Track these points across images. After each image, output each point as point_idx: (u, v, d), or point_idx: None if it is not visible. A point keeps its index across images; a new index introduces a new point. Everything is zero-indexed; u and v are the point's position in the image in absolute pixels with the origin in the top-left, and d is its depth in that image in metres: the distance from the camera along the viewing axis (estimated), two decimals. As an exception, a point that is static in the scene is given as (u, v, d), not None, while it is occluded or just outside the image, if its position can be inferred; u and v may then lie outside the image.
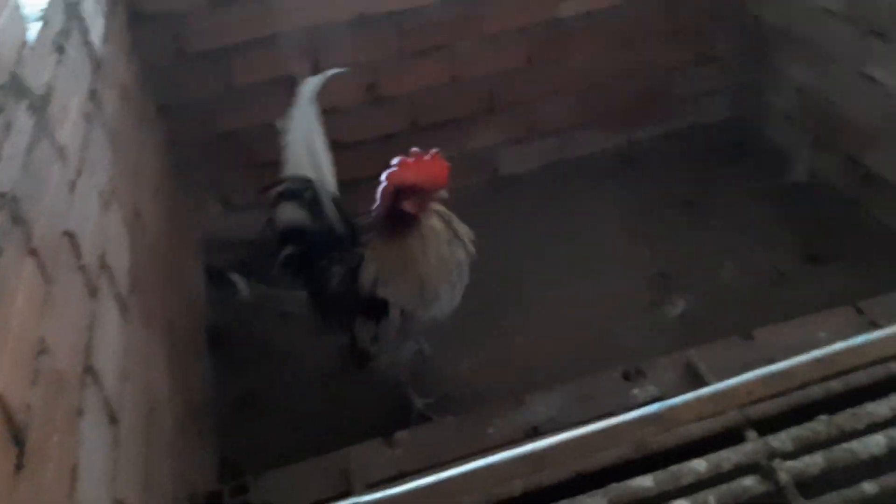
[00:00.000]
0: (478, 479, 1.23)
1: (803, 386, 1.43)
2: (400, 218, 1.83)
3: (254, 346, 2.56)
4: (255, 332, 2.62)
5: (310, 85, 2.22)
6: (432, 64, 2.84)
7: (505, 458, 1.23)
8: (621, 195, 2.96)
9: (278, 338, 2.59)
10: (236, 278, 2.81)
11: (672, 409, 1.30)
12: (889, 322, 1.97)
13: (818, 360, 1.38)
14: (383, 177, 1.86)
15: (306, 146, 2.21)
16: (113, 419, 1.30)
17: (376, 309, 1.93)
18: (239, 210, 2.95)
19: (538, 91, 3.01)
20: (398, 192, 1.81)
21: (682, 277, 2.56)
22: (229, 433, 2.23)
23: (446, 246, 1.88)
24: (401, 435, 1.84)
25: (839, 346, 1.42)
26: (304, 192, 2.17)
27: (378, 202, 1.87)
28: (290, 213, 2.16)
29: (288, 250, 2.18)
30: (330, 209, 2.16)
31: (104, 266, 1.44)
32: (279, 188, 2.17)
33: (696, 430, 1.62)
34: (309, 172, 2.18)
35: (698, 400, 1.31)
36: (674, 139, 3.18)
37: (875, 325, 1.97)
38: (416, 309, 1.92)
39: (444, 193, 1.81)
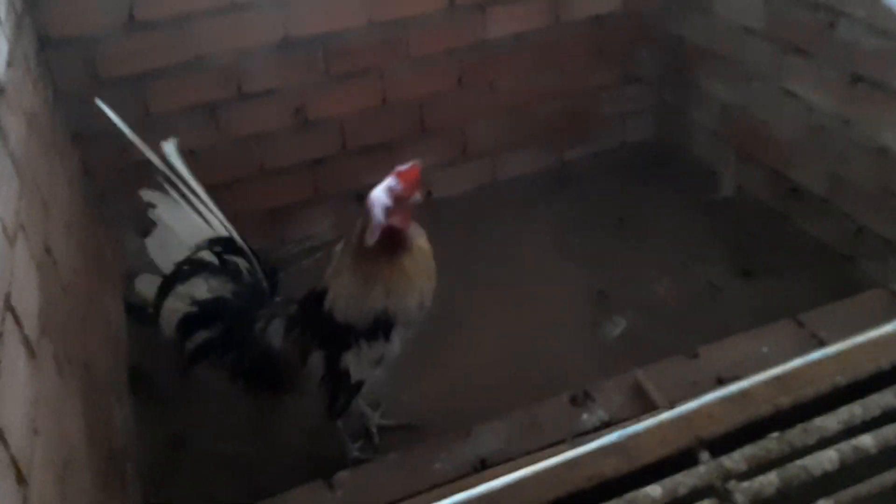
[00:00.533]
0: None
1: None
2: (391, 236, 1.72)
3: (178, 385, 2.42)
4: (178, 371, 2.48)
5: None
6: (361, 86, 2.78)
7: (457, 501, 1.15)
8: (555, 215, 2.94)
9: (203, 375, 2.45)
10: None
11: (633, 437, 1.25)
12: (830, 333, 2.00)
13: (777, 378, 1.35)
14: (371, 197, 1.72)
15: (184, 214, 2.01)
16: (21, 479, 1.18)
17: (374, 333, 1.82)
18: (160, 242, 2.81)
19: (469, 113, 2.98)
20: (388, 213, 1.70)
21: (620, 296, 2.55)
22: (156, 479, 2.09)
23: (431, 259, 1.84)
24: (342, 475, 1.75)
25: (796, 362, 1.40)
26: (202, 262, 1.94)
27: (371, 226, 1.70)
28: (199, 289, 1.93)
29: (203, 335, 1.94)
30: (247, 261, 1.97)
31: (9, 308, 1.31)
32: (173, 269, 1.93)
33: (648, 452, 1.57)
34: (200, 234, 1.97)
35: (659, 427, 1.27)
36: (603, 158, 3.19)
37: (816, 338, 1.98)
38: (415, 323, 1.85)
39: (417, 197, 1.73)
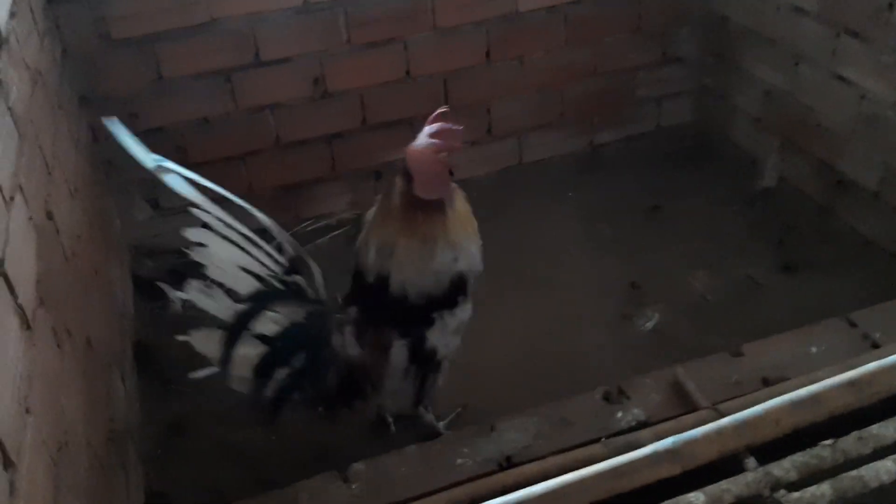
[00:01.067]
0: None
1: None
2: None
3: (186, 364, 2.29)
4: (186, 349, 2.35)
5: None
6: (383, 57, 2.64)
7: (495, 504, 1.02)
8: (584, 202, 2.80)
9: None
10: (168, 288, 2.54)
11: (690, 443, 1.12)
12: (885, 335, 1.86)
13: (851, 384, 1.21)
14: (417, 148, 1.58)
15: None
16: (7, 462, 1.05)
17: (453, 297, 1.67)
18: (170, 214, 2.68)
19: (496, 89, 2.83)
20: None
21: (653, 288, 2.41)
22: (158, 464, 1.97)
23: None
24: (357, 467, 1.62)
25: (872, 366, 1.25)
26: (263, 294, 1.70)
27: (426, 177, 1.56)
28: (267, 326, 1.68)
29: (283, 373, 1.69)
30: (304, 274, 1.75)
31: (0, 273, 1.18)
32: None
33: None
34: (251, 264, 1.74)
35: (719, 434, 1.14)
36: (636, 143, 3.04)
37: (869, 339, 1.84)
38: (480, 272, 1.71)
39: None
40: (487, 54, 2.74)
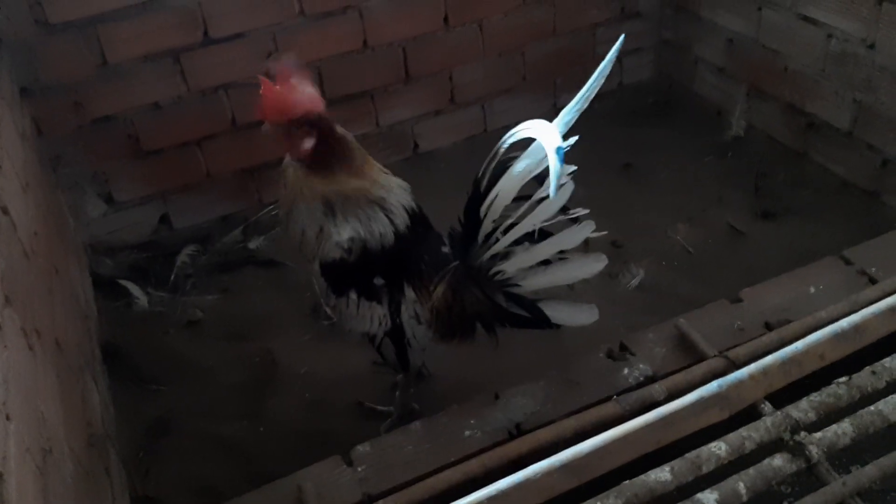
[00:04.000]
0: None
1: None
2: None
3: (158, 362, 2.18)
4: (157, 346, 2.24)
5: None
6: (339, 28, 2.53)
7: (538, 472, 0.95)
8: (555, 163, 2.73)
9: (185, 350, 2.22)
10: (130, 286, 2.41)
11: (737, 385, 1.07)
12: (880, 269, 1.84)
13: (893, 310, 1.17)
14: None
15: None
16: (-7, 474, 0.95)
17: None
18: (125, 207, 2.55)
19: (456, 56, 2.75)
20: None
21: (635, 245, 2.36)
22: (142, 466, 1.86)
23: None
24: (361, 450, 1.54)
25: (906, 291, 1.21)
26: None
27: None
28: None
29: None
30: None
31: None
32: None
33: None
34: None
35: (765, 373, 1.09)
36: (601, 102, 2.94)
37: (865, 275, 1.82)
38: None
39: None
40: (446, 19, 2.66)
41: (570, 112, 1.53)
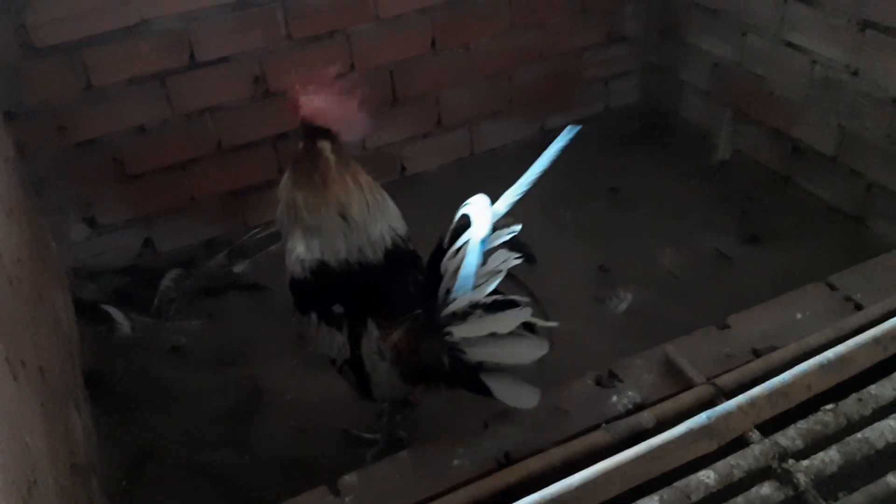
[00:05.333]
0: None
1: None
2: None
3: (142, 388, 2.16)
4: (141, 373, 2.21)
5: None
6: (326, 51, 2.53)
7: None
8: (541, 188, 2.70)
9: (169, 377, 2.20)
10: (113, 311, 2.39)
11: (725, 417, 1.06)
12: (865, 295, 1.85)
13: (876, 341, 1.17)
14: None
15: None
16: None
17: None
18: (108, 231, 2.53)
19: (443, 79, 2.75)
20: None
21: (621, 269, 2.36)
22: (126, 496, 1.83)
23: None
24: (348, 479, 1.52)
25: (892, 322, 1.21)
26: None
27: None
28: None
29: None
30: None
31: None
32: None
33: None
34: None
35: (752, 404, 1.08)
36: (587, 125, 2.95)
37: (851, 301, 1.82)
38: None
39: None
40: (433, 43, 2.67)
41: (514, 194, 1.57)
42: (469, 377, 1.51)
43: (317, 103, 1.58)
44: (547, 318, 1.57)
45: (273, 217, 2.67)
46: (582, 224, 2.57)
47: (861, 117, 2.26)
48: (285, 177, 1.69)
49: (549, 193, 2.66)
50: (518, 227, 1.55)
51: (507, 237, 1.53)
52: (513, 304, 1.49)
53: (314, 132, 1.60)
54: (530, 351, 1.50)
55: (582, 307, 2.24)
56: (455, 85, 2.78)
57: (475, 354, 1.49)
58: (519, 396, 1.51)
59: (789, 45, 2.41)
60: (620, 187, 2.72)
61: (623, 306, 2.24)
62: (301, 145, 1.64)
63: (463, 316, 1.50)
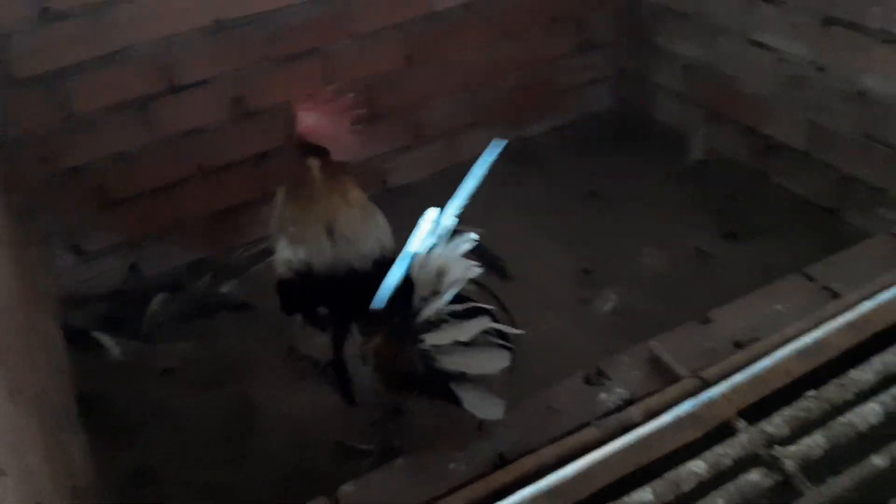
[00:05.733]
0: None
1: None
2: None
3: (136, 411, 2.17)
4: (134, 396, 2.22)
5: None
6: (304, 70, 2.56)
7: (524, 498, 0.97)
8: (523, 195, 2.78)
9: (162, 399, 2.21)
10: (102, 337, 2.40)
11: (709, 405, 1.10)
12: (842, 285, 1.89)
13: (851, 325, 1.21)
14: None
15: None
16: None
17: None
18: (94, 258, 2.54)
19: (421, 92, 2.79)
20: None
21: (605, 271, 2.41)
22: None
23: None
24: (346, 489, 1.53)
25: (866, 305, 1.26)
26: None
27: None
28: None
29: None
30: None
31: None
32: None
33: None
34: None
35: (734, 391, 1.11)
36: (565, 132, 3.05)
37: (828, 290, 1.86)
38: None
39: None
40: (409, 57, 2.71)
41: (454, 208, 1.61)
42: (441, 385, 1.54)
43: (311, 121, 1.63)
44: (515, 326, 1.58)
45: (258, 235, 2.74)
46: (564, 229, 2.61)
47: (830, 112, 2.32)
48: (280, 190, 1.76)
49: (529, 199, 2.74)
50: (475, 235, 1.56)
51: (468, 246, 1.54)
52: (483, 313, 1.53)
53: (307, 149, 1.64)
54: (494, 362, 1.52)
55: (568, 309, 2.28)
56: (433, 97, 2.82)
57: (445, 362, 1.52)
58: (485, 407, 1.53)
59: (757, 44, 2.47)
60: (599, 191, 2.77)
61: (608, 307, 2.28)
62: (295, 161, 1.69)
63: (437, 323, 1.54)
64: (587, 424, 1.57)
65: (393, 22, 2.62)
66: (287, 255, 1.68)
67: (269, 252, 2.71)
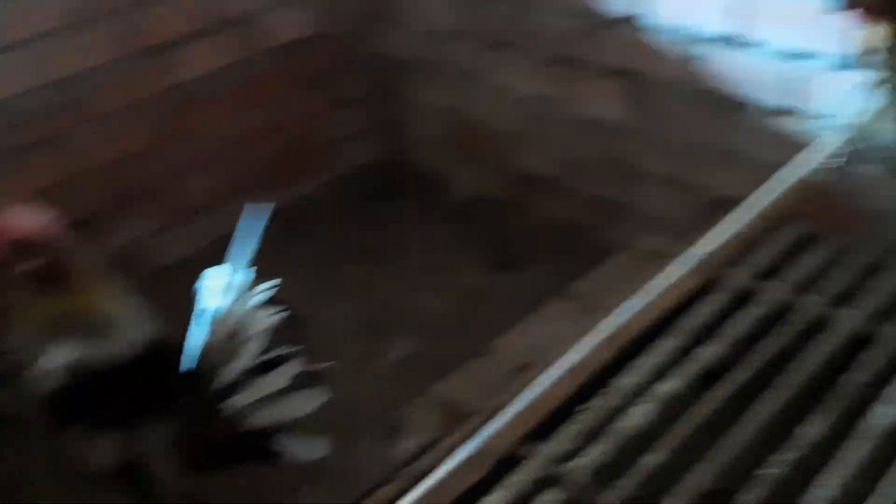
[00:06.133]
0: None
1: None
2: None
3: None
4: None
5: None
6: (41, 160, 2.38)
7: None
8: (299, 258, 2.72)
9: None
10: None
11: (494, 437, 1.13)
12: (599, 299, 2.03)
13: (608, 339, 1.29)
14: None
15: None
16: None
17: None
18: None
19: (173, 170, 2.68)
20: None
21: (388, 320, 2.43)
22: None
23: None
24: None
25: (614, 321, 1.34)
26: None
27: None
28: None
29: None
30: None
31: None
32: None
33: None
34: None
35: (516, 419, 1.15)
36: (332, 188, 3.06)
37: (593, 303, 1.99)
38: None
39: None
40: (157, 134, 2.60)
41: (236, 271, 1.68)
42: (257, 445, 1.50)
43: (14, 224, 1.55)
44: (319, 362, 1.59)
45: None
46: (344, 282, 2.61)
47: (570, 141, 2.51)
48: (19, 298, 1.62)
49: (306, 261, 2.70)
50: (276, 282, 1.62)
51: (266, 295, 1.58)
52: (283, 360, 1.51)
53: (21, 253, 1.54)
54: (308, 402, 1.52)
55: (356, 364, 2.26)
56: (187, 173, 2.72)
57: (256, 419, 1.49)
58: (308, 449, 1.54)
59: (497, 86, 2.62)
60: (374, 241, 2.80)
61: (396, 355, 2.29)
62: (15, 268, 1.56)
63: (241, 383, 1.50)
64: (387, 481, 1.56)
65: (134, 99, 2.51)
66: (57, 361, 1.55)
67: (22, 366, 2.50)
